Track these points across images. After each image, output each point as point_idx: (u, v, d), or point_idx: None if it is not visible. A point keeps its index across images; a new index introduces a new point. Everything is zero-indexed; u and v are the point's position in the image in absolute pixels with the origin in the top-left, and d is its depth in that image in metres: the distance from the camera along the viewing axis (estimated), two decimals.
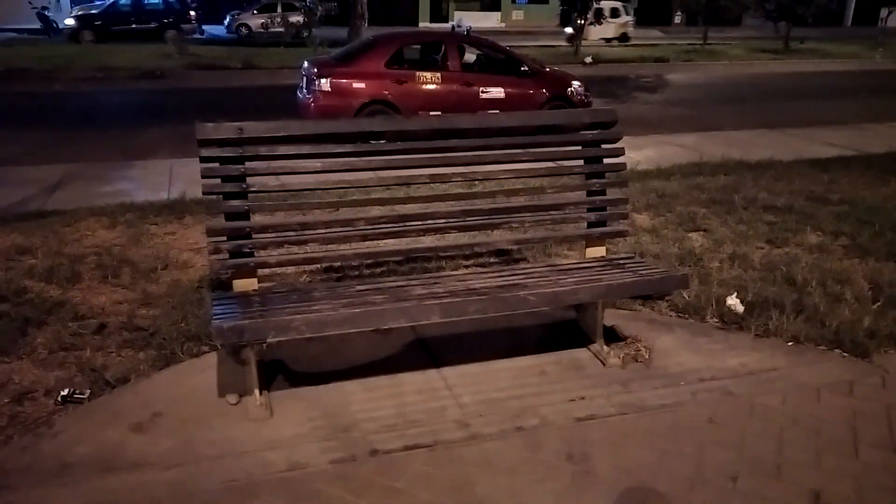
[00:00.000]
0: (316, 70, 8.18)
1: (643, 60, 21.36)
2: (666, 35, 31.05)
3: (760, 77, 18.27)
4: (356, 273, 3.73)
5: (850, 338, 3.08)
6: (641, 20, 40.01)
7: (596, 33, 26.37)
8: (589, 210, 3.08)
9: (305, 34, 22.70)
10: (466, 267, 3.92)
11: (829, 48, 26.68)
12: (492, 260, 4.10)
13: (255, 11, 26.43)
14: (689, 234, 4.60)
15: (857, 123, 9.51)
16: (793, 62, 22.54)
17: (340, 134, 2.80)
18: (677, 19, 36.07)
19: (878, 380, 2.83)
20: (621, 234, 3.21)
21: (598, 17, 24.41)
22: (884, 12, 35.04)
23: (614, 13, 27.76)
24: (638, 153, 7.43)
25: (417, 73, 8.37)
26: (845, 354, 3.02)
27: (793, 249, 4.30)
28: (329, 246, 2.93)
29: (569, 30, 23.35)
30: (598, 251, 3.13)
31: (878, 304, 3.48)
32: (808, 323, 3.25)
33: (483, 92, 8.50)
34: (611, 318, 3.29)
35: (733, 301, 3.44)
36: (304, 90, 8.30)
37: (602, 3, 25.00)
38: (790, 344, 3.11)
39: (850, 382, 2.80)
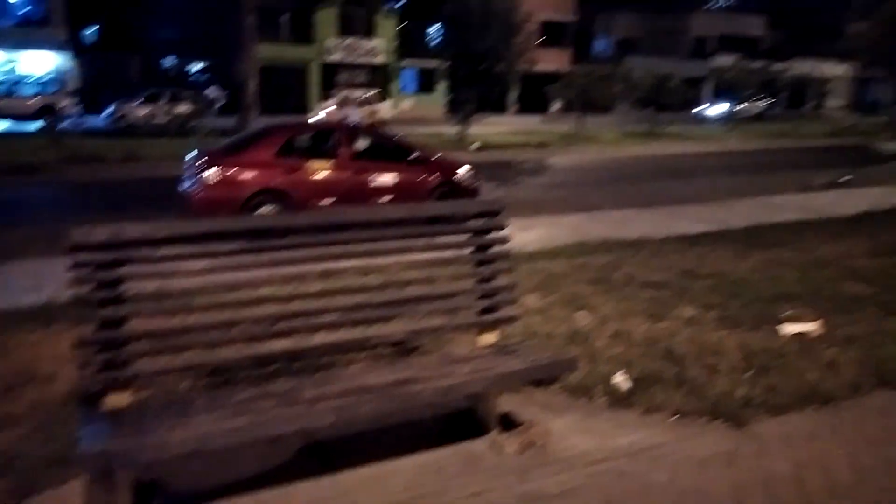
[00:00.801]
0: (202, 160, 8.05)
1: (527, 146, 22.56)
2: (545, 122, 33.08)
3: (633, 159, 19.74)
4: (243, 376, 3.58)
5: (728, 408, 3.25)
6: (523, 108, 42.65)
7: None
8: (480, 297, 3.14)
9: (192, 124, 22.43)
10: (361, 360, 3.86)
11: (691, 132, 29.29)
12: (387, 351, 4.06)
13: (139, 101, 25.89)
14: (577, 313, 4.76)
15: (720, 200, 10.39)
16: (660, 145, 24.53)
17: (226, 232, 2.75)
18: (555, 107, 38.65)
19: (755, 448, 2.98)
20: (511, 319, 3.28)
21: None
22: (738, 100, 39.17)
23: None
24: (526, 234, 7.72)
25: (309, 163, 8.42)
26: (725, 424, 3.18)
27: (671, 323, 4.54)
28: (212, 351, 2.80)
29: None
30: (491, 338, 3.18)
31: (750, 372, 3.71)
32: (690, 396, 3.40)
33: (374, 180, 8.65)
34: (506, 403, 3.31)
35: (620, 378, 3.56)
36: (190, 181, 8.12)
37: None
38: (675, 418, 3.24)
39: (731, 453, 2.93)
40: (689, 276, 5.66)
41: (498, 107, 37.12)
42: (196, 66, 40.74)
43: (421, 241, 3.04)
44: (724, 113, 34.99)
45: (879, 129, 30.61)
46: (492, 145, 21.94)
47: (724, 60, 45.02)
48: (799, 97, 47.36)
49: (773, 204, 9.99)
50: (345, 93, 27.45)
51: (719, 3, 60.50)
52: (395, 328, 3.83)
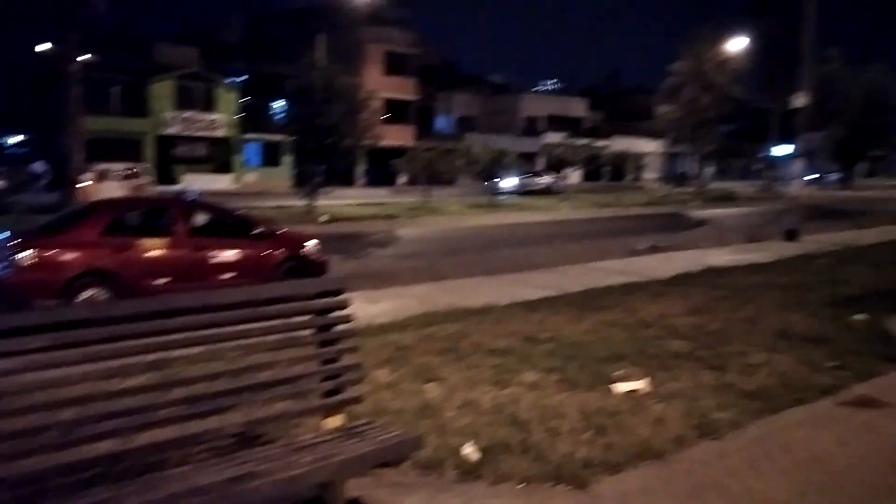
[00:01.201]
0: (16, 241, 7.32)
1: (375, 218, 22.85)
2: (393, 194, 33.78)
3: (477, 229, 20.59)
4: (54, 486, 3.18)
5: (570, 471, 3.37)
6: (370, 181, 43.37)
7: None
8: (324, 379, 3.06)
9: (8, 200, 20.45)
10: (196, 456, 3.58)
11: (527, 202, 31.15)
12: (224, 444, 3.80)
13: None
14: (426, 385, 4.77)
15: (557, 266, 11.05)
16: (501, 215, 25.83)
17: (33, 326, 2.48)
18: (401, 180, 39.75)
19: None
20: (357, 400, 3.21)
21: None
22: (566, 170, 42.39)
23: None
24: (375, 307, 7.72)
25: (140, 241, 7.91)
26: (568, 488, 3.28)
27: (516, 389, 4.67)
28: (14, 463, 2.47)
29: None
30: (336, 421, 3.09)
31: (589, 433, 3.89)
32: (535, 461, 3.49)
33: (214, 257, 8.29)
34: (355, 488, 3.20)
35: (469, 450, 3.58)
36: (1, 265, 7.32)
37: None
38: (522, 486, 3.30)
39: None
40: (531, 341, 5.90)
41: (346, 180, 37.49)
42: (15, 139, 37.59)
43: (259, 325, 2.93)
44: (514, 186, 37.00)
45: (688, 198, 34.39)
46: (341, 218, 21.98)
47: (554, 137, 49.16)
48: (619, 170, 52.43)
49: (604, 268, 10.78)
50: (103, 166, 26.23)
51: (546, 87, 66.35)
52: (233, 419, 3.60)
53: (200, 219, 9.04)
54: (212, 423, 3.63)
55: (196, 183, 31.39)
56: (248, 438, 3.86)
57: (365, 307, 7.87)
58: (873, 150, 56.39)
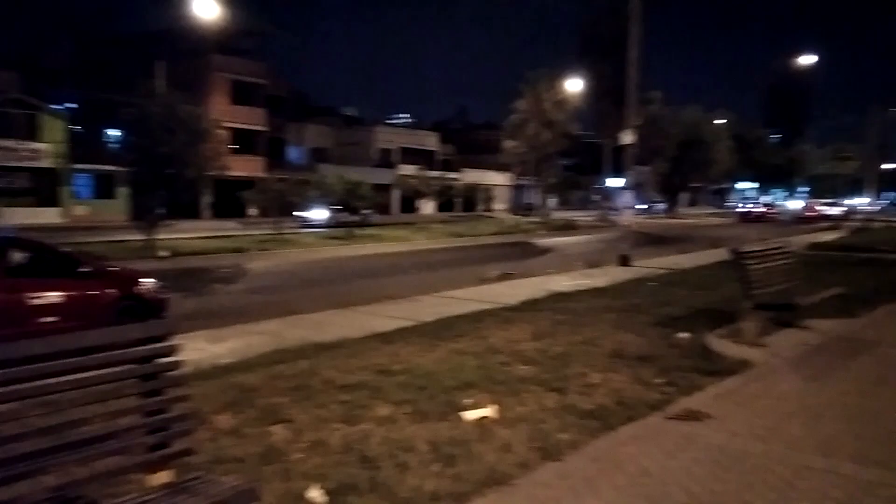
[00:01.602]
0: None
1: (223, 251, 21.84)
2: (242, 226, 32.54)
3: (331, 261, 20.31)
4: None
5: None
6: (217, 213, 41.53)
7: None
8: (149, 433, 2.82)
9: None
10: None
11: (384, 233, 31.22)
12: None
13: None
14: (272, 428, 4.56)
15: (412, 296, 11.11)
16: (357, 246, 25.68)
17: None
18: (251, 212, 38.43)
19: None
20: (188, 452, 2.99)
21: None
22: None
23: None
24: (220, 346, 7.32)
25: None
26: None
27: (367, 425, 4.59)
28: None
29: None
30: (164, 476, 2.85)
31: (438, 464, 3.89)
32: (383, 499, 3.43)
33: (34, 299, 7.49)
34: None
35: (315, 493, 3.45)
36: None
37: None
38: None
39: None
40: (384, 373, 5.85)
41: (190, 212, 35.63)
42: None
43: (73, 377, 2.65)
44: (325, 219, 35.13)
45: (534, 227, 36.22)
46: (184, 252, 20.80)
47: (408, 169, 49.99)
48: (471, 201, 54.26)
49: (457, 297, 10.99)
50: None
51: (398, 120, 67.64)
52: (46, 482, 3.23)
53: (17, 257, 8.15)
54: (21, 488, 3.24)
55: (15, 217, 28.43)
56: (64, 502, 3.47)
57: (209, 347, 7.45)
58: (693, 181, 62.80)
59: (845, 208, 52.70)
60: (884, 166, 74.23)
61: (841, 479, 3.83)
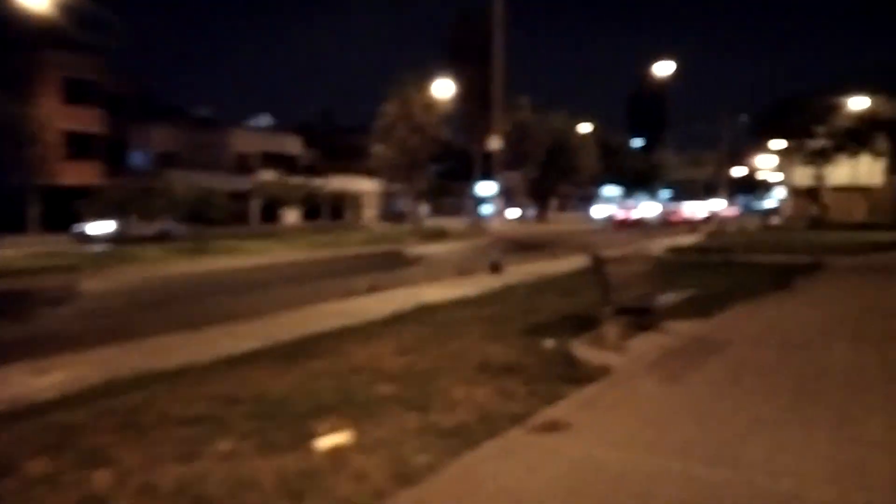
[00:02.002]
0: None
1: (53, 270, 19.53)
2: (76, 241, 29.42)
3: (182, 277, 18.85)
4: None
5: None
6: (47, 226, 36.65)
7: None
8: None
9: None
10: None
11: (242, 245, 29.28)
12: None
13: None
14: (94, 473, 3.97)
15: (270, 313, 10.47)
16: (210, 261, 23.41)
17: None
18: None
19: None
20: None
21: None
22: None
23: None
24: (42, 380, 6.55)
25: None
26: None
27: (206, 463, 4.10)
28: None
29: None
30: None
31: (283, 502, 3.50)
32: None
33: None
34: None
35: None
36: None
37: None
38: None
39: None
40: (231, 402, 5.33)
41: (15, 226, 31.57)
42: None
43: None
44: (111, 233, 30.18)
45: (405, 236, 36.08)
46: (5, 272, 18.55)
47: (268, 175, 47.38)
48: (338, 209, 52.92)
49: (320, 312, 10.51)
50: None
51: (258, 122, 64.22)
52: None
53: None
54: None
55: None
56: None
57: (29, 381, 6.58)
58: (562, 187, 65.41)
59: (710, 212, 56.64)
60: (734, 171, 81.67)
61: (694, 483, 3.84)
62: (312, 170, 53.47)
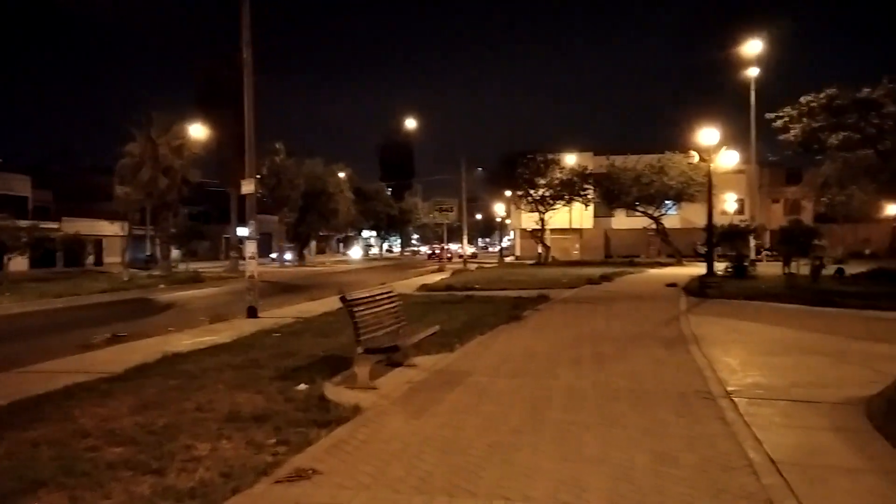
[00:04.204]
0: None
1: None
2: None
3: None
4: None
5: None
6: None
7: None
8: None
9: None
10: None
11: None
12: None
13: None
14: None
15: None
16: None
17: None
18: None
19: None
20: None
21: None
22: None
23: None
24: None
25: None
26: None
27: None
28: None
29: None
30: None
31: None
32: None
33: None
34: None
35: None
36: None
37: None
38: None
39: None
40: None
41: None
42: None
43: None
44: None
45: (154, 282, 33.30)
46: None
47: None
48: (76, 255, 47.50)
49: (45, 371, 9.24)
50: None
51: None
52: None
53: None
54: None
55: None
56: None
57: None
58: (319, 230, 65.59)
59: (469, 250, 60.98)
60: (477, 216, 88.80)
61: None
62: (44, 212, 47.44)
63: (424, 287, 23.28)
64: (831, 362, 8.79)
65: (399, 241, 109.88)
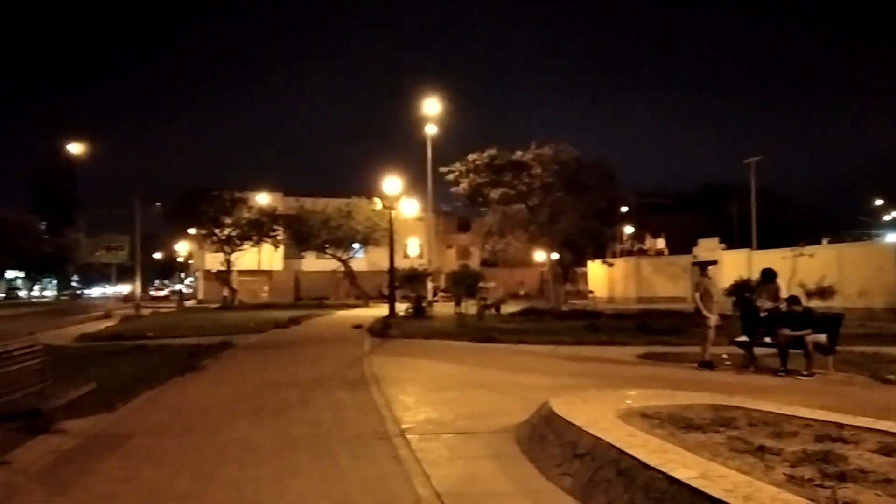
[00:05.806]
0: None
1: None
2: None
3: None
4: None
5: None
6: None
7: None
8: None
9: None
10: None
11: None
12: None
13: None
14: None
15: None
16: None
17: None
18: None
19: None
20: None
21: None
22: None
23: None
24: None
25: None
26: None
27: None
28: None
29: None
30: None
31: None
32: None
33: None
34: None
35: None
36: None
37: None
38: None
39: None
40: None
41: None
42: None
43: None
44: None
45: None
46: None
47: None
48: None
49: None
50: None
51: None
52: None
53: None
54: None
55: None
56: None
57: None
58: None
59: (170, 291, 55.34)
60: (154, 255, 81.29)
61: None
62: None
63: (85, 337, 20.42)
64: (490, 394, 9.77)
65: (56, 283, 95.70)
